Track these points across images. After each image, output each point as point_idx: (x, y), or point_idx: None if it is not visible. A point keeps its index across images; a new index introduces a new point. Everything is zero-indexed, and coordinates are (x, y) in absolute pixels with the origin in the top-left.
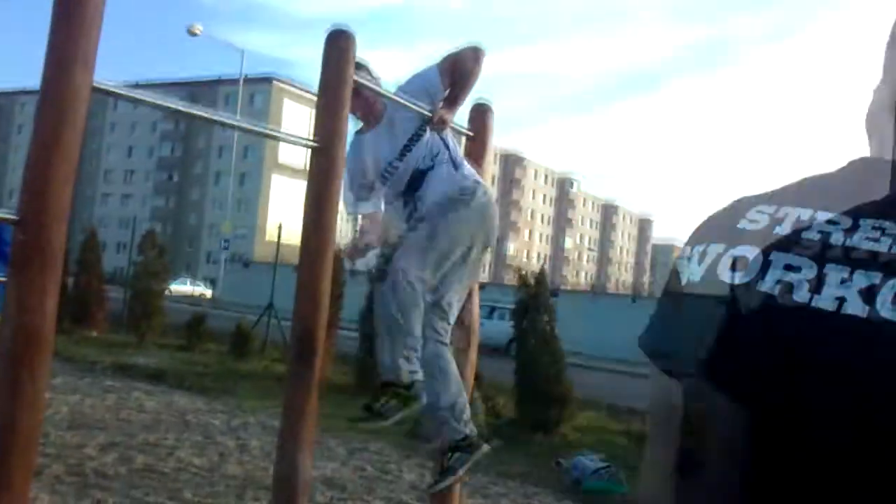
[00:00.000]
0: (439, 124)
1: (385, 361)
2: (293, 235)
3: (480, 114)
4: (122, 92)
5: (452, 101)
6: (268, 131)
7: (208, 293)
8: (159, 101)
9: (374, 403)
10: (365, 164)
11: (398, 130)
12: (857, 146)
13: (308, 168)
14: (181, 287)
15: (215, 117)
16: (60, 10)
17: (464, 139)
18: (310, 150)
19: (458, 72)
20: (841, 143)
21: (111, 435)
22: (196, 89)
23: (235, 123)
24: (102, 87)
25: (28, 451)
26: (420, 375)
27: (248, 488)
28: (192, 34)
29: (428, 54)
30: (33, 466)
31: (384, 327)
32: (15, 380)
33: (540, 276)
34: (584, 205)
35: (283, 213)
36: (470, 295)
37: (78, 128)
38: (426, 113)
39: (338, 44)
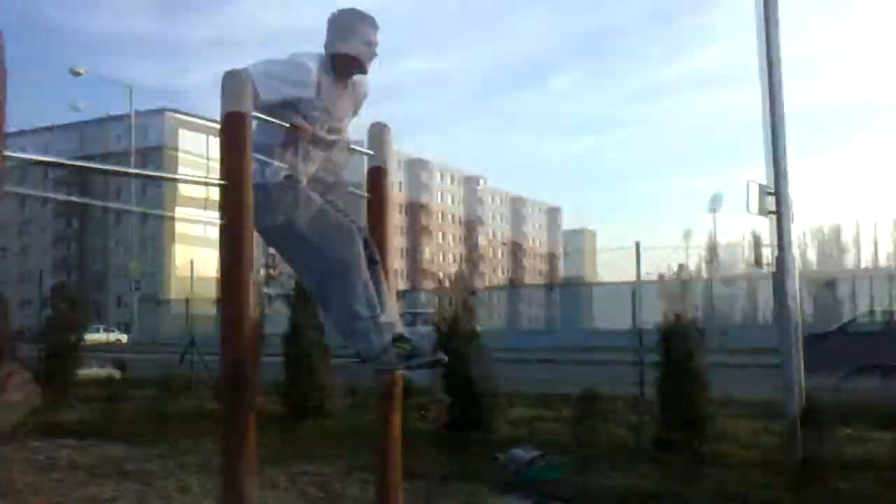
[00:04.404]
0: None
1: None
2: (203, 269)
3: (378, 133)
4: (23, 192)
5: None
6: (177, 176)
7: (124, 338)
8: (60, 196)
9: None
10: (312, 88)
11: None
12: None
13: (219, 205)
14: (95, 335)
15: (120, 170)
16: None
17: (365, 158)
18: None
19: None
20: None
21: (46, 497)
22: (87, 129)
23: (142, 172)
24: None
25: None
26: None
27: None
28: (76, 74)
29: None
30: None
31: None
32: None
33: (457, 279)
34: (492, 201)
35: (190, 249)
36: None
37: None
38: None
39: (233, 84)
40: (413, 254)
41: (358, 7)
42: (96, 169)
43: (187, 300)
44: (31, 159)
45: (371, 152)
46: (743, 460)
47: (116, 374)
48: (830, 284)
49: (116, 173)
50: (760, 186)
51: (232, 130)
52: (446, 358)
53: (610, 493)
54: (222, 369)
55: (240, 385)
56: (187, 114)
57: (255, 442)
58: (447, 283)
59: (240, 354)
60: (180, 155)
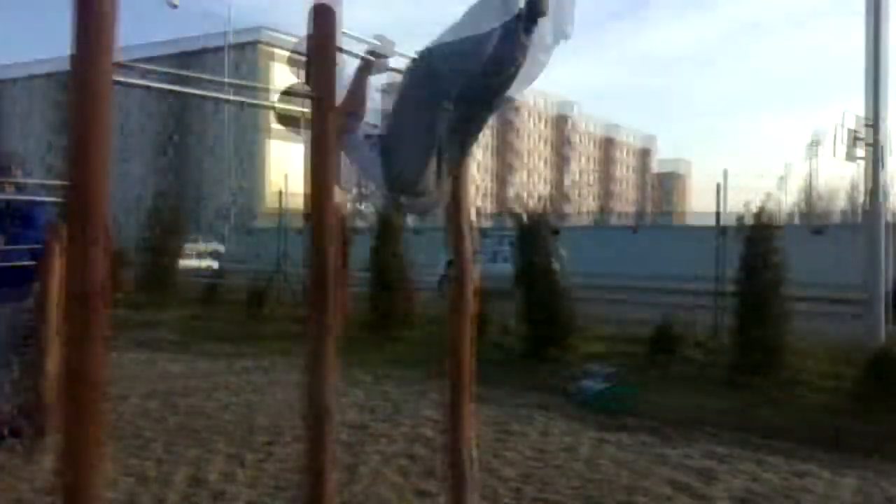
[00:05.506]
0: None
1: None
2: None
3: None
4: (141, 83)
5: None
6: (270, 87)
7: (220, 248)
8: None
9: None
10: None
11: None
12: None
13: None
14: (192, 245)
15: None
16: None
17: None
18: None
19: None
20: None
21: (149, 386)
22: (182, 60)
23: (234, 81)
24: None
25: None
26: None
27: (279, 434)
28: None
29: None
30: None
31: None
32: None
33: (538, 212)
34: (585, 127)
35: (283, 165)
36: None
37: (106, 117)
38: None
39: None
40: (502, 176)
41: None
42: (194, 77)
43: (279, 215)
44: (139, 85)
45: None
46: (817, 386)
47: (214, 264)
48: None
49: (211, 82)
50: (849, 131)
51: (321, 48)
52: None
53: (679, 409)
54: (310, 275)
55: (323, 291)
56: (283, 32)
57: (335, 347)
58: (533, 211)
59: (322, 260)
60: (275, 82)
